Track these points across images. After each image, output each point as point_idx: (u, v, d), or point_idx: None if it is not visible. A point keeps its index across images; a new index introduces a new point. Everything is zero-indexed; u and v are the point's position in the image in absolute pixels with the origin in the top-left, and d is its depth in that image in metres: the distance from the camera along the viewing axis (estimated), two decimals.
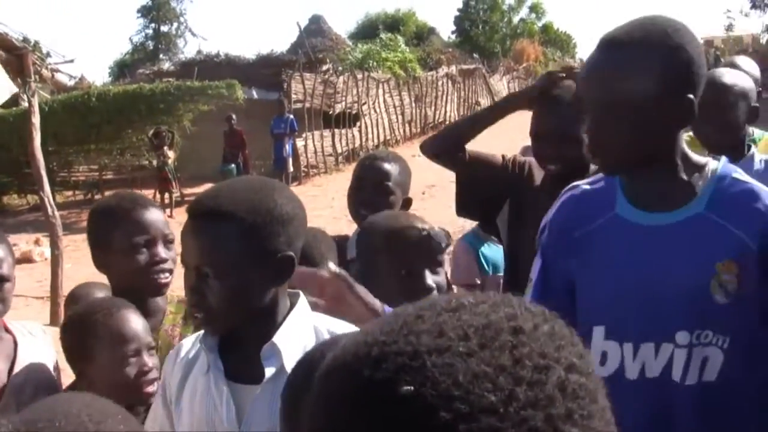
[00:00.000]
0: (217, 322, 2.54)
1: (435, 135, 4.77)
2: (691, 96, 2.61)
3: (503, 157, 4.42)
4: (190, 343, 2.74)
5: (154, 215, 3.54)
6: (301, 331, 2.56)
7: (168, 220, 3.68)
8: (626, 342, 2.77)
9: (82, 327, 3.23)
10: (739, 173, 2.80)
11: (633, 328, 2.77)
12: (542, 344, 1.02)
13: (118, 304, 3.26)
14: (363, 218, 4.01)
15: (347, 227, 4.12)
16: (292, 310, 2.58)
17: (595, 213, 2.87)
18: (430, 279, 3.08)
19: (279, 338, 2.50)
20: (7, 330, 3.65)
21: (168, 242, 3.53)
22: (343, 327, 2.62)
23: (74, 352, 3.27)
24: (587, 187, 2.95)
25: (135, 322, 3.21)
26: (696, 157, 2.81)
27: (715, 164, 2.79)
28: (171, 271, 3.49)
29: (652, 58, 2.59)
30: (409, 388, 0.96)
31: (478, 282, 4.76)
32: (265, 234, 2.45)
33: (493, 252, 4.77)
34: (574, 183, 3.04)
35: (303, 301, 2.63)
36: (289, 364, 2.34)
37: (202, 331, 2.68)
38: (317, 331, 2.59)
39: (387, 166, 4.21)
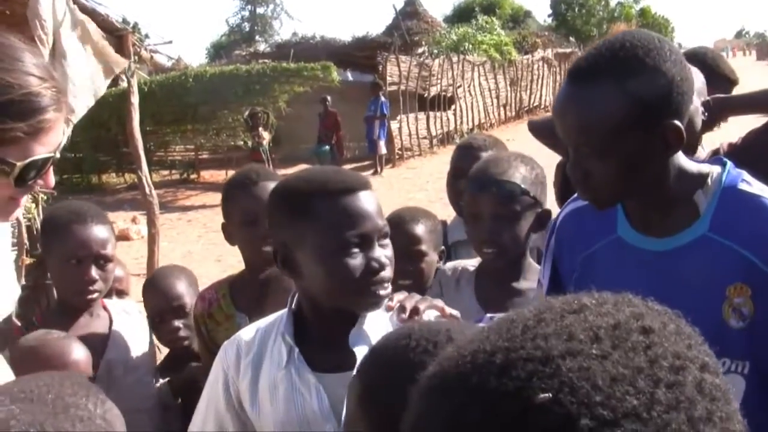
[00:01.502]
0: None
1: (548, 118, 4.71)
2: (675, 122, 2.38)
3: None
4: (249, 337, 2.68)
5: (262, 190, 3.55)
6: (380, 313, 2.54)
7: None
8: None
9: None
10: (746, 182, 2.58)
11: None
12: (674, 343, 0.98)
13: None
14: (461, 207, 3.99)
15: (442, 210, 4.06)
16: None
17: (597, 232, 2.77)
18: None
19: (366, 322, 2.50)
20: (104, 308, 3.71)
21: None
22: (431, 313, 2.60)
23: None
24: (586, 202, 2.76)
25: None
26: (695, 168, 2.60)
27: (718, 171, 2.59)
28: None
29: (619, 90, 2.36)
30: (546, 395, 0.89)
31: None
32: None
33: None
34: (575, 195, 2.89)
35: None
36: None
37: (264, 322, 2.70)
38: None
39: (484, 156, 4.16)
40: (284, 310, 2.64)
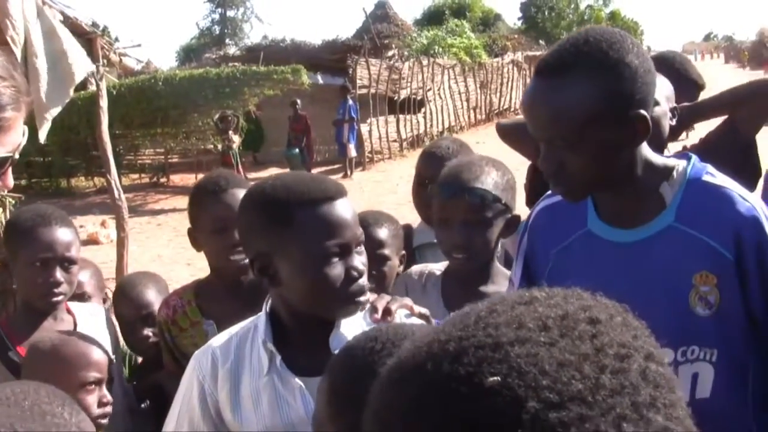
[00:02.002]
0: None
1: (516, 121, 4.72)
2: (642, 111, 2.47)
3: None
4: (224, 345, 2.68)
5: (232, 197, 3.54)
6: (358, 318, 2.59)
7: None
8: None
9: None
10: (710, 174, 2.67)
11: None
12: (620, 333, 1.01)
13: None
14: (427, 214, 4.03)
15: (411, 213, 4.08)
16: None
17: (568, 228, 2.83)
18: None
19: (344, 326, 2.54)
20: (68, 311, 3.72)
21: None
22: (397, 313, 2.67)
23: None
24: (558, 198, 2.84)
25: None
26: (661, 161, 2.70)
27: (684, 165, 2.68)
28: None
29: (589, 82, 2.45)
30: (496, 378, 0.93)
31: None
32: None
33: None
34: (547, 193, 2.98)
35: None
36: None
37: (236, 330, 2.70)
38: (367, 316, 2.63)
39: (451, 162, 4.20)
40: (257, 316, 2.66)
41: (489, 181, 3.44)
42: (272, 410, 2.52)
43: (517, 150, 4.51)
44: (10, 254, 3.72)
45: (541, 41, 53.78)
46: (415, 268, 3.79)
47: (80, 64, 8.98)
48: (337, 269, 2.45)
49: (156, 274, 4.49)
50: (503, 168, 3.59)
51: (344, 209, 2.49)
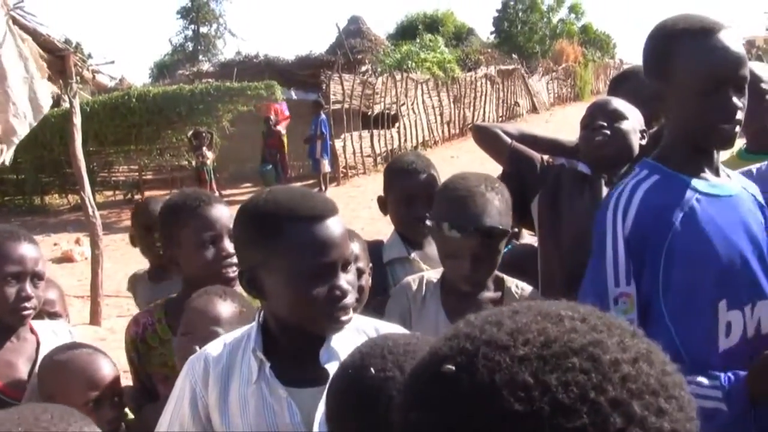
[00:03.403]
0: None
1: (495, 125, 4.76)
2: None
3: (541, 157, 4.46)
4: (217, 351, 2.72)
5: (218, 211, 3.60)
6: (348, 331, 2.61)
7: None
8: (745, 306, 3.01)
9: None
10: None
11: (746, 292, 3.01)
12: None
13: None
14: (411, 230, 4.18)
15: (386, 228, 4.12)
16: None
17: (678, 196, 3.02)
18: None
19: (333, 341, 2.58)
20: (32, 330, 3.72)
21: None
22: (387, 326, 2.74)
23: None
24: (650, 179, 3.09)
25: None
26: None
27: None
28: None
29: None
30: (450, 367, 0.99)
31: None
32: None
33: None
34: (623, 180, 3.16)
35: None
36: None
37: (231, 337, 2.75)
38: (360, 330, 2.67)
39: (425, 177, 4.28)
40: (251, 325, 2.70)
41: (495, 213, 3.51)
42: (258, 417, 2.56)
43: (488, 151, 4.57)
44: None
45: (514, 55, 53.81)
46: (412, 278, 3.82)
47: (45, 92, 8.98)
48: (320, 288, 2.49)
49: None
50: (500, 188, 3.65)
51: (333, 228, 2.53)
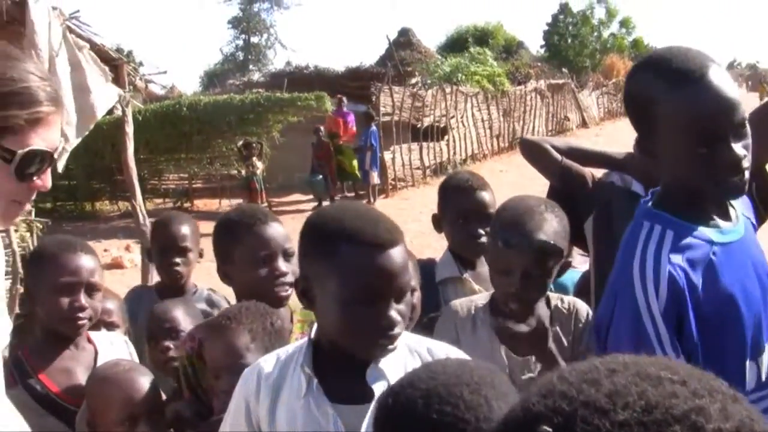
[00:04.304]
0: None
1: (542, 139, 4.73)
2: None
3: (592, 174, 4.42)
4: (270, 365, 2.73)
5: (274, 230, 3.60)
6: (398, 350, 2.59)
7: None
8: (759, 357, 2.89)
9: None
10: None
11: (760, 340, 2.90)
12: None
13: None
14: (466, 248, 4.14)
15: (435, 242, 4.10)
16: None
17: (697, 254, 2.85)
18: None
19: (381, 361, 2.55)
20: (89, 341, 3.76)
21: (288, 255, 3.58)
22: (442, 348, 2.71)
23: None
24: (667, 238, 2.87)
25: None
26: None
27: None
28: (291, 284, 3.54)
29: None
30: (548, 429, 0.98)
31: None
32: None
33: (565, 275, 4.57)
34: (640, 244, 2.92)
35: None
36: None
37: (284, 351, 2.75)
38: (412, 350, 2.66)
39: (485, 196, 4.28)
40: (304, 340, 2.71)
41: (551, 232, 3.44)
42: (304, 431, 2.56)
43: (537, 167, 4.53)
44: (33, 281, 3.77)
45: (564, 69, 53.70)
46: (459, 303, 3.77)
47: (102, 99, 9.07)
48: (369, 315, 2.47)
49: (189, 301, 4.55)
50: (560, 212, 3.59)
51: (392, 259, 2.49)
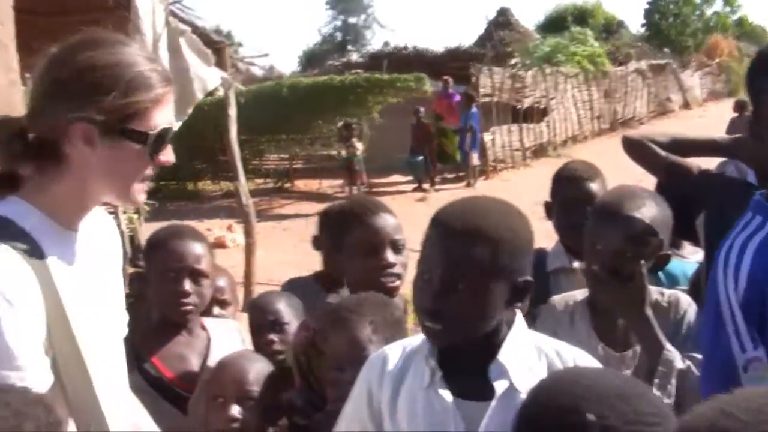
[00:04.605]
0: (452, 335, 2.56)
1: (644, 136, 4.67)
2: None
3: (699, 168, 4.35)
4: (396, 354, 2.74)
5: (383, 220, 3.60)
6: (524, 348, 2.59)
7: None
8: None
9: None
10: None
11: None
12: None
13: None
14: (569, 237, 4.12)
15: (536, 224, 4.06)
16: (512, 328, 2.61)
17: None
18: None
19: (504, 356, 2.54)
20: (203, 327, 3.81)
21: (398, 247, 3.58)
22: (570, 350, 2.66)
23: None
24: (763, 230, 2.81)
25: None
26: None
27: None
28: (399, 276, 3.55)
29: None
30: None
31: None
32: (513, 255, 2.50)
33: (674, 265, 4.37)
34: (735, 230, 2.92)
35: (520, 318, 2.66)
36: (517, 382, 2.47)
37: (410, 342, 2.75)
38: (540, 350, 2.62)
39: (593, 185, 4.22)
40: None
41: (648, 214, 3.39)
42: (424, 423, 2.56)
43: (642, 165, 4.47)
44: (146, 267, 3.85)
45: (665, 49, 52.90)
46: (558, 298, 3.74)
47: (202, 83, 9.21)
48: None
49: (291, 294, 4.58)
50: (663, 204, 3.53)
51: None
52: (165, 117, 2.43)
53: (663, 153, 4.29)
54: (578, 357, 2.63)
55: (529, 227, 2.60)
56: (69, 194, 2.43)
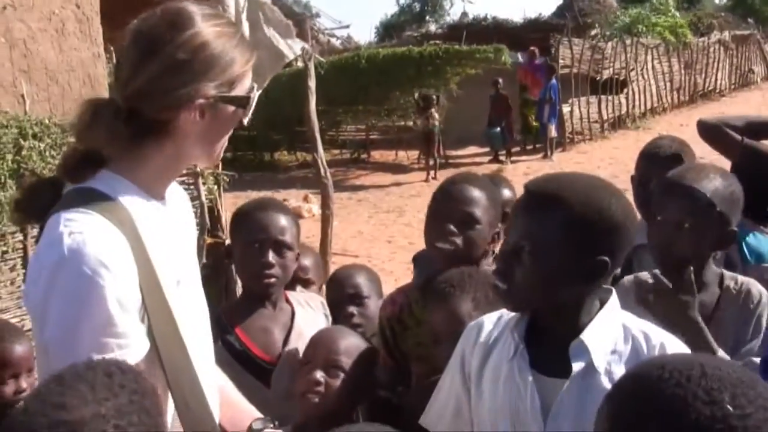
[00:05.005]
0: (516, 299, 2.58)
1: (719, 120, 4.61)
2: None
3: None
4: (491, 323, 2.77)
5: (469, 192, 3.59)
6: (610, 329, 2.56)
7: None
8: None
9: None
10: None
11: None
12: None
13: None
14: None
15: None
16: (602, 309, 2.58)
17: None
18: None
19: (587, 335, 2.51)
20: (287, 301, 3.83)
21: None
22: (658, 332, 2.61)
23: None
24: None
25: None
26: None
27: None
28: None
29: None
30: None
31: None
32: (588, 230, 2.46)
33: (760, 242, 4.45)
34: None
35: (614, 299, 2.62)
36: (598, 362, 2.44)
37: (508, 314, 2.73)
38: (626, 329, 2.58)
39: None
40: None
41: (710, 186, 3.36)
42: (504, 394, 2.59)
43: (716, 149, 4.43)
44: (232, 239, 3.89)
45: (749, 19, 51.89)
46: (627, 279, 3.69)
47: (281, 55, 9.26)
48: None
49: (368, 267, 4.59)
50: (732, 179, 3.49)
51: None
52: (250, 81, 2.52)
53: (738, 137, 4.25)
54: (667, 341, 2.57)
55: (623, 209, 2.54)
56: (166, 165, 2.48)
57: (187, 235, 2.73)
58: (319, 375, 3.31)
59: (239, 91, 2.46)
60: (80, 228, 2.21)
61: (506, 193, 4.41)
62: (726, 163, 4.34)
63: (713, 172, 3.45)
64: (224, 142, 2.56)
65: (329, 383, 3.32)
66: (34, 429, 1.69)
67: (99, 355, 2.06)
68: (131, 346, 2.21)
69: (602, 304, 2.58)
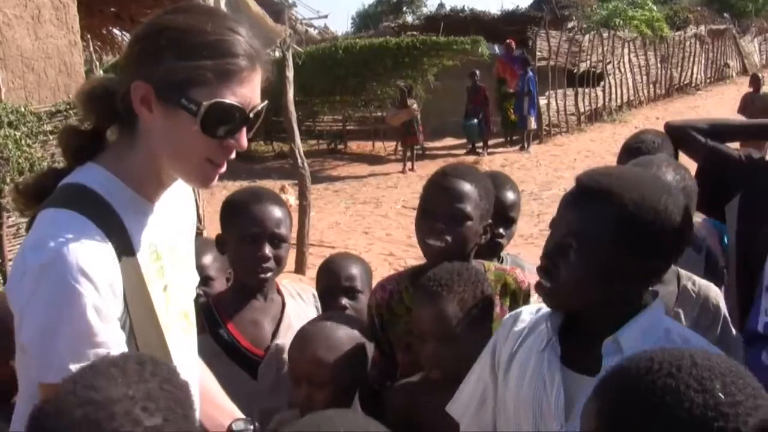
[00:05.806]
0: (560, 298, 2.51)
1: (685, 123, 4.63)
2: None
3: (739, 154, 4.31)
4: (528, 314, 2.74)
5: (463, 186, 3.55)
6: (649, 332, 2.46)
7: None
8: None
9: None
10: None
11: None
12: None
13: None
14: None
15: None
16: (645, 310, 2.50)
17: None
18: None
19: (623, 335, 2.43)
20: (278, 291, 3.81)
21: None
22: (700, 340, 2.53)
23: None
24: None
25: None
26: None
27: None
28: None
29: None
30: None
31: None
32: (641, 230, 2.38)
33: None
34: None
35: (659, 302, 2.55)
36: None
37: (545, 307, 2.67)
38: (669, 332, 2.49)
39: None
40: None
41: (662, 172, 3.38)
42: (529, 385, 2.56)
43: (683, 150, 4.44)
44: (223, 231, 3.84)
45: (725, 14, 52.10)
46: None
47: (265, 41, 9.22)
48: None
49: (362, 258, 4.54)
50: (684, 173, 3.51)
51: None
52: (237, 94, 2.28)
53: (703, 139, 4.30)
54: (690, 336, 2.53)
55: (680, 210, 2.44)
56: (142, 163, 2.37)
57: (179, 230, 2.67)
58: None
59: (199, 95, 2.24)
60: (66, 232, 2.18)
61: (510, 195, 4.34)
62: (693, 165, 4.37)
63: (666, 166, 3.49)
64: (208, 165, 2.36)
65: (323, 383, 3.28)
66: (63, 407, 1.71)
67: (75, 363, 2.06)
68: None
69: (645, 306, 2.51)
